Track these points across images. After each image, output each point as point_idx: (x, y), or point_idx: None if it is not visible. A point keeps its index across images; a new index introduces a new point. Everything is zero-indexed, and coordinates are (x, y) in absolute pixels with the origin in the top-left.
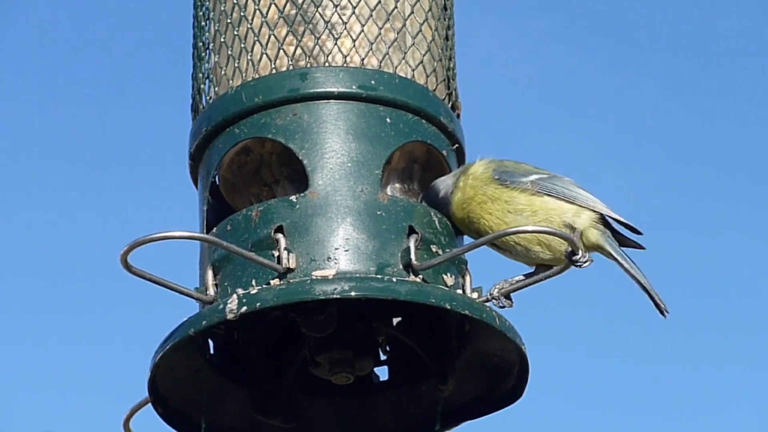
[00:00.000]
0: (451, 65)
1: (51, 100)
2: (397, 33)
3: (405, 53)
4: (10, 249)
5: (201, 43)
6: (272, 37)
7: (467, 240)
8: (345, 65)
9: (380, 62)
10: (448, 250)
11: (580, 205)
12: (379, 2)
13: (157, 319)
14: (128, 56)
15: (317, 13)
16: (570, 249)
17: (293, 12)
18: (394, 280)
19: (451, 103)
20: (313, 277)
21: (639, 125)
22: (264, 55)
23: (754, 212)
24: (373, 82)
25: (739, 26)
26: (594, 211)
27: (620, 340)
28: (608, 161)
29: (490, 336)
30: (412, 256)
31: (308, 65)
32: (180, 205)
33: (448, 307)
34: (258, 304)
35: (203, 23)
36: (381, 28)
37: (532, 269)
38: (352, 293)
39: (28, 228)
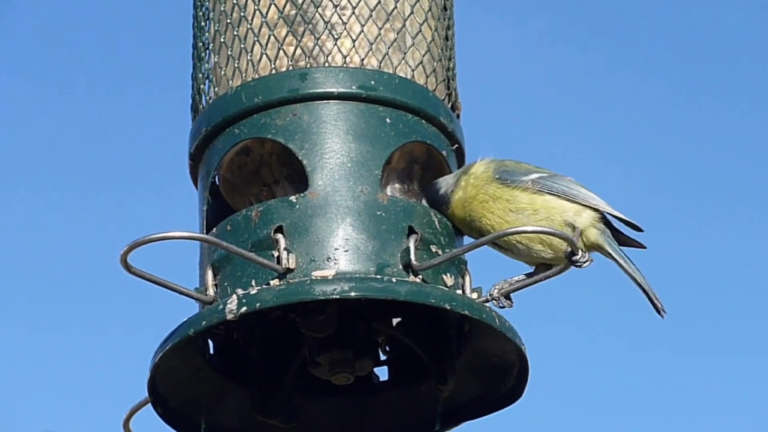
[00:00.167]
0: (451, 65)
1: (51, 100)
2: (397, 33)
3: (405, 53)
4: (10, 249)
5: (201, 44)
6: (272, 37)
7: (467, 240)
8: (345, 65)
9: (380, 62)
10: (447, 251)
11: (581, 204)
12: (379, 2)
13: (157, 319)
14: (128, 56)
15: (317, 14)
16: (570, 249)
17: (293, 12)
18: (394, 280)
19: (450, 104)
20: (313, 278)
21: (639, 125)
22: (264, 56)
23: (755, 212)
24: (372, 82)
25: (739, 26)
26: (595, 210)
27: (620, 340)
28: (608, 161)
29: (490, 336)
30: (412, 257)
31: (308, 65)
32: (180, 205)
33: (448, 308)
34: (258, 304)
35: (203, 23)
36: (381, 29)
37: (531, 269)
38: (352, 293)
39: (28, 228)
